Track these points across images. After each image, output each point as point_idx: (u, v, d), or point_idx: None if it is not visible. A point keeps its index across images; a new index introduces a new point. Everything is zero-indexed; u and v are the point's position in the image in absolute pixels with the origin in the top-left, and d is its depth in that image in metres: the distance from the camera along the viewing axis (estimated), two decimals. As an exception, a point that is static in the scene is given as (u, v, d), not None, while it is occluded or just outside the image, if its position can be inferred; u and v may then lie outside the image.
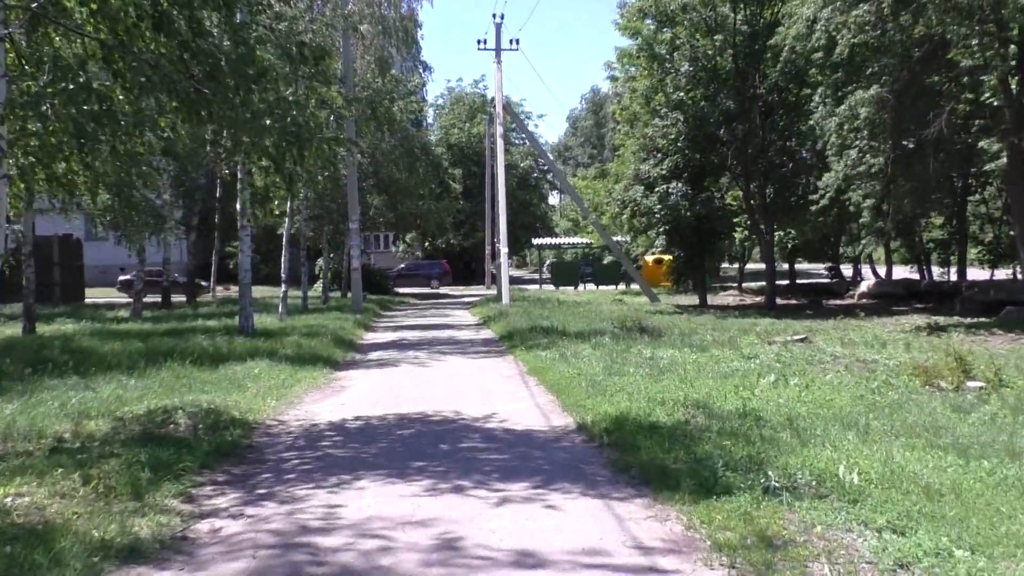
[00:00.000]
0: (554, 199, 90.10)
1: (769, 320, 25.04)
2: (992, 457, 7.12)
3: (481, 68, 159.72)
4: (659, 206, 28.87)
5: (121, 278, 44.23)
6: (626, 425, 8.78)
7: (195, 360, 14.72)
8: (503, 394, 12.03)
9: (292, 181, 10.41)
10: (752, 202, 29.83)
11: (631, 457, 7.69)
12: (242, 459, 8.36)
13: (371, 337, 22.34)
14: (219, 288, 46.57)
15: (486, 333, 22.70)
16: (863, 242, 36.21)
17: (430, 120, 64.96)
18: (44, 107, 7.43)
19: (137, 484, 6.89)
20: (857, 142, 21.16)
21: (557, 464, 7.82)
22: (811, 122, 24.12)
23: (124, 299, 37.92)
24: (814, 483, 6.44)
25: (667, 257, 47.48)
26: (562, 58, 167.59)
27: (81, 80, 7.35)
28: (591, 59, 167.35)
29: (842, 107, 21.05)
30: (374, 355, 17.99)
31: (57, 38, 8.92)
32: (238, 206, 20.63)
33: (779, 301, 34.58)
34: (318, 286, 41.53)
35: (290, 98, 10.10)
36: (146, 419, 9.71)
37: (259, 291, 43.48)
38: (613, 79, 43.14)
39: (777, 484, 6.38)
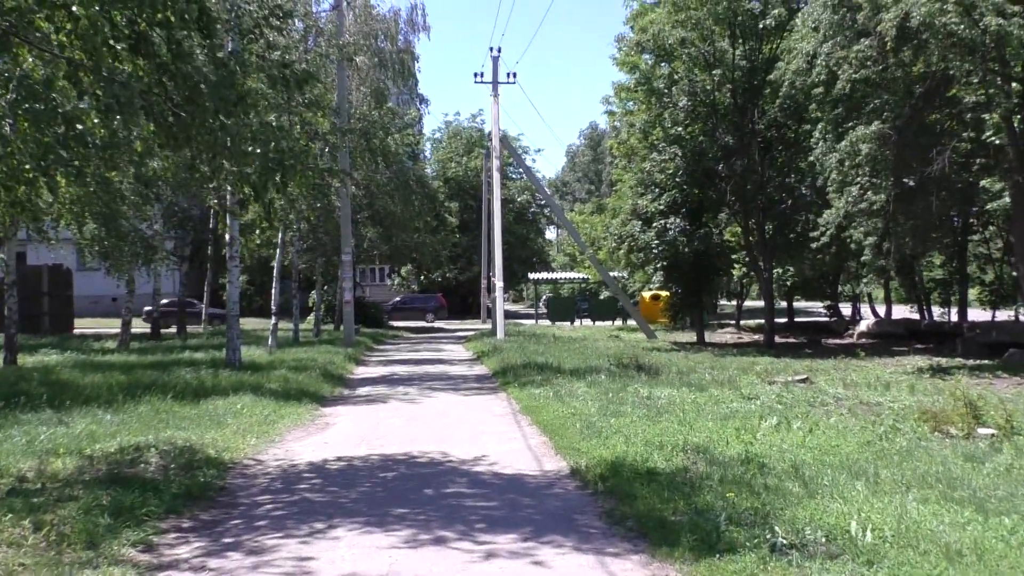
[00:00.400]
0: (551, 234, 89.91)
1: (768, 359, 24.56)
2: (1012, 513, 6.63)
3: (478, 102, 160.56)
4: (656, 241, 28.44)
5: (146, 308, 43.64)
6: (622, 471, 8.30)
7: (176, 394, 14.26)
8: (494, 434, 11.54)
9: (270, 211, 9.91)
10: (751, 238, 29.46)
11: (627, 507, 7.21)
12: (212, 503, 7.85)
13: (361, 371, 21.83)
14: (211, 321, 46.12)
15: (479, 369, 22.21)
16: (864, 280, 35.79)
17: (427, 154, 64.77)
18: (4, 128, 7.00)
19: (93, 531, 6.40)
20: (858, 179, 20.79)
21: (548, 514, 7.32)
22: (811, 158, 23.77)
23: (113, 330, 37.30)
24: (824, 540, 5.94)
25: (664, 293, 47.19)
26: (560, 93, 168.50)
27: (47, 100, 6.93)
28: (589, 94, 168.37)
29: (843, 143, 20.70)
30: (363, 390, 17.49)
31: (30, 58, 8.51)
32: (227, 237, 20.20)
33: (778, 339, 34.12)
34: (311, 318, 41.10)
35: (274, 124, 9.68)
36: (116, 457, 9.24)
37: (251, 323, 43.27)
38: (611, 114, 43.15)
39: (785, 541, 5.88)
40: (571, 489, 8.27)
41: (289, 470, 9.28)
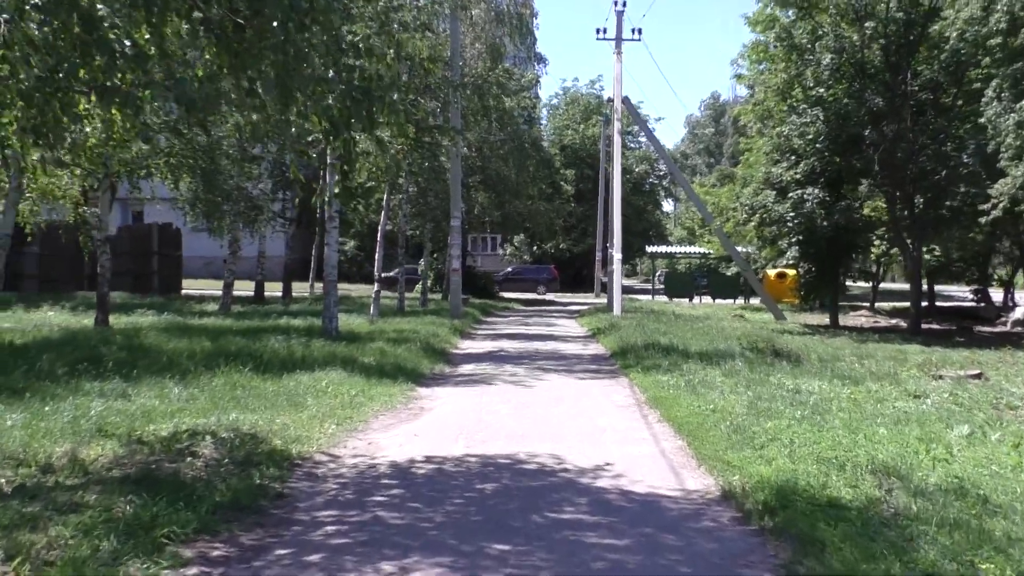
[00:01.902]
0: (668, 206, 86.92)
1: (918, 348, 21.88)
2: None
3: (598, 65, 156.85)
4: (792, 213, 25.84)
5: (385, 275, 42.73)
6: (795, 500, 6.24)
7: (260, 366, 12.80)
8: (617, 432, 9.56)
9: (351, 153, 8.07)
10: (898, 213, 26.54)
11: (815, 562, 5.16)
12: (262, 517, 6.13)
13: (467, 346, 20.10)
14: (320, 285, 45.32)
15: (595, 348, 20.19)
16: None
17: (543, 120, 62.72)
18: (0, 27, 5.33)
19: (83, 563, 4.72)
20: (1041, 144, 17.99)
21: (701, 562, 5.35)
22: (982, 120, 20.85)
23: (218, 292, 36.69)
24: None
25: (790, 271, 44.24)
26: (680, 62, 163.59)
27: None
28: (711, 63, 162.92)
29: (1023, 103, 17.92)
30: (466, 368, 15.73)
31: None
32: (325, 196, 18.69)
33: (922, 326, 31.21)
34: (419, 287, 39.75)
35: (361, 45, 7.86)
36: (165, 445, 7.66)
37: (359, 289, 42.19)
38: (739, 77, 40.20)
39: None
40: (726, 522, 6.24)
41: (366, 472, 7.51)
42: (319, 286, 43.35)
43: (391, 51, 8.66)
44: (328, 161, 18.57)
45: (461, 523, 6.03)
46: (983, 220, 22.25)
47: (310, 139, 20.66)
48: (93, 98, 6.20)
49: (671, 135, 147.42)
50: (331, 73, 7.65)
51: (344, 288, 43.66)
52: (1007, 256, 35.11)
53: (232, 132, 20.28)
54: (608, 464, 7.88)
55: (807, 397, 11.36)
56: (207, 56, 7.27)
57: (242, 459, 7.41)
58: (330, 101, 7.65)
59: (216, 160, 21.50)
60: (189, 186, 22.02)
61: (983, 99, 21.05)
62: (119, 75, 6.06)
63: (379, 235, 24.71)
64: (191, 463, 7.12)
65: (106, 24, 6.00)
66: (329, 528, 5.90)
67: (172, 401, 9.82)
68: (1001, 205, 19.76)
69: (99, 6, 5.99)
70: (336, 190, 18.25)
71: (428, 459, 8.01)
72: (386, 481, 7.20)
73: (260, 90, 6.80)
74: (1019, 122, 18.25)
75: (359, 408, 10.51)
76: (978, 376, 14.71)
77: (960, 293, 44.52)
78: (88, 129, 12.95)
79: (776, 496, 6.37)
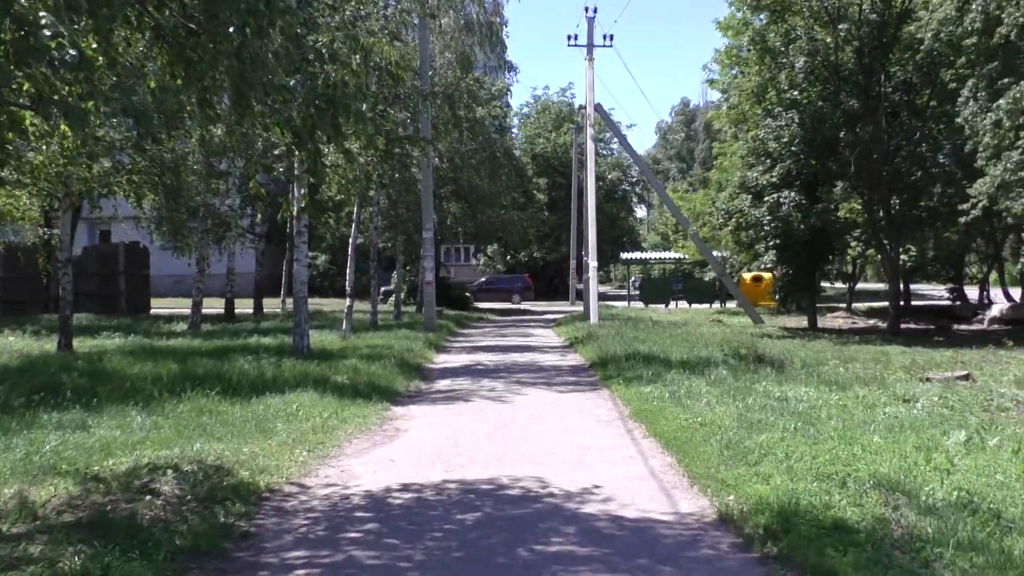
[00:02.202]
0: (641, 212, 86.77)
1: (899, 348, 21.62)
2: None
3: (568, 74, 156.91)
4: (768, 217, 25.57)
5: (384, 288, 42.54)
6: (798, 523, 5.85)
7: (228, 389, 12.28)
8: (603, 450, 9.13)
9: (318, 163, 7.61)
10: (875, 215, 26.32)
11: (826, 595, 4.77)
12: (225, 562, 5.66)
13: (442, 360, 19.63)
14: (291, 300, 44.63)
15: (574, 358, 19.78)
16: (1022, 260, 32.28)
17: (515, 129, 62.33)
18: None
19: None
20: (1020, 142, 17.73)
21: (703, 598, 4.95)
22: (959, 120, 20.63)
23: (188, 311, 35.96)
24: None
25: (766, 275, 44.09)
26: (651, 69, 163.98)
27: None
28: (680, 70, 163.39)
29: (1001, 101, 17.69)
30: (443, 384, 15.27)
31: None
32: (293, 210, 18.18)
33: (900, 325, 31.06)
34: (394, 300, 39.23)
35: (323, 51, 7.41)
36: (123, 482, 7.16)
37: (333, 304, 41.53)
38: (711, 82, 40.11)
39: None
40: (726, 549, 5.83)
41: (339, 504, 7.04)
42: (291, 302, 42.80)
43: (357, 57, 8.23)
44: (295, 174, 18.06)
45: (442, 561, 5.58)
46: (962, 220, 22.06)
47: (276, 152, 20.30)
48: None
49: (643, 141, 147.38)
50: (292, 82, 7.21)
51: (316, 303, 43.10)
52: (982, 255, 35.05)
53: (196, 147, 19.75)
54: (596, 487, 7.45)
55: (796, 405, 11.01)
56: (159, 64, 6.83)
57: (206, 495, 6.93)
58: (293, 111, 7.22)
59: (181, 176, 20.89)
60: (153, 204, 21.39)
61: (959, 99, 20.85)
62: (63, 86, 5.59)
63: (350, 249, 24.20)
64: (150, 502, 6.62)
65: (48, 32, 5.52)
66: (299, 572, 5.44)
67: (134, 431, 9.32)
68: (980, 205, 19.56)
69: (41, 13, 5.52)
70: (303, 204, 17.81)
71: (405, 487, 7.55)
72: (360, 514, 6.74)
73: (215, 100, 6.32)
74: (996, 121, 18.04)
75: (331, 432, 10.03)
76: (965, 377, 14.42)
77: (935, 292, 44.56)
78: (39, 147, 12.45)
79: (777, 519, 5.98)
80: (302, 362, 15.85)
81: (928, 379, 14.30)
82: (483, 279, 56.38)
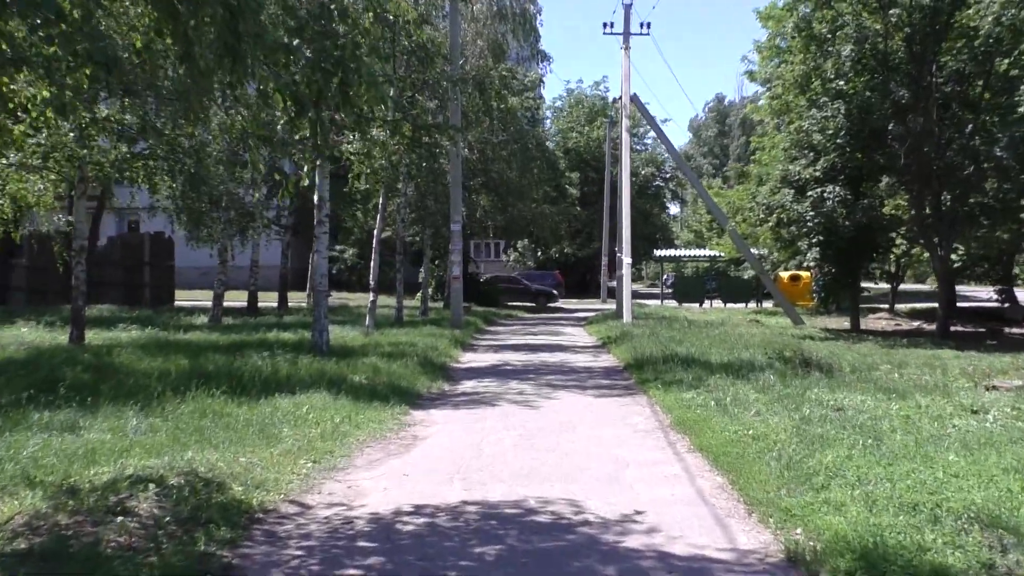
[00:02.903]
0: (675, 209, 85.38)
1: (951, 352, 20.41)
2: None
3: (602, 67, 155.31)
4: (812, 213, 24.35)
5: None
6: (889, 569, 4.83)
7: (237, 388, 11.40)
8: (643, 466, 8.12)
9: (321, 131, 6.65)
10: (924, 211, 25.00)
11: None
12: (195, 606, 4.73)
13: (468, 359, 18.67)
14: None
15: (607, 359, 18.74)
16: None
17: (547, 122, 61.24)
18: None
19: None
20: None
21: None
22: (1020, 110, 19.35)
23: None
24: None
25: (804, 273, 42.75)
26: (687, 63, 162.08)
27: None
28: (716, 65, 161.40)
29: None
30: (467, 385, 14.31)
31: None
32: (315, 198, 17.31)
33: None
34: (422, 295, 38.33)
35: (331, 6, 6.47)
36: (99, 496, 6.27)
37: (358, 298, 40.73)
38: (750, 74, 38.87)
39: None
40: (801, 603, 4.83)
41: (340, 530, 6.08)
42: (299, 296, 41.99)
43: (370, 15, 7.28)
44: (316, 162, 17.16)
45: (455, 613, 4.62)
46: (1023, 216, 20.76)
47: (297, 136, 19.44)
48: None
49: (676, 138, 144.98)
50: (297, 41, 6.27)
51: (343, 297, 42.43)
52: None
53: (217, 133, 18.93)
54: (637, 513, 6.45)
55: (855, 416, 9.96)
56: (142, 16, 5.93)
57: (188, 516, 6.02)
58: (296, 75, 6.28)
59: (203, 163, 20.07)
60: (172, 191, 20.60)
61: (1022, 87, 19.56)
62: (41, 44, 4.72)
63: (374, 241, 23.31)
64: (121, 525, 5.71)
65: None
66: (281, 622, 4.50)
67: (126, 435, 8.45)
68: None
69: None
70: (325, 191, 16.95)
71: (417, 509, 6.58)
72: (363, 543, 5.77)
73: (200, 54, 5.38)
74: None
75: (342, 439, 9.11)
76: (1036, 386, 13.26)
77: (980, 294, 42.95)
78: (42, 127, 11.67)
79: (862, 563, 4.96)
80: (320, 360, 14.97)
81: (995, 387, 13.16)
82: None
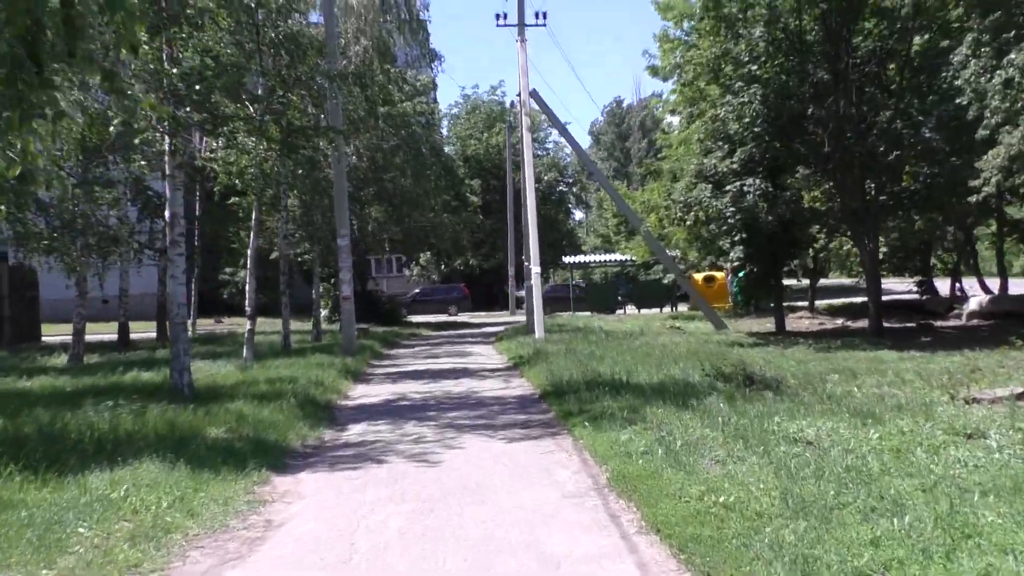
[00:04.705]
0: (579, 214, 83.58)
1: (894, 354, 18.66)
2: None
3: (499, 70, 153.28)
4: (732, 208, 22.45)
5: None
6: None
7: (50, 458, 8.68)
8: (580, 563, 5.75)
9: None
10: (849, 202, 23.29)
11: None
12: None
13: (359, 393, 16.06)
14: (213, 320, 40.68)
15: (520, 385, 16.25)
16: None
17: (445, 131, 58.78)
18: None
19: None
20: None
21: None
22: (959, 82, 17.71)
23: (92, 336, 31.61)
24: None
25: (718, 274, 41.22)
26: (583, 66, 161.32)
27: None
28: (612, 69, 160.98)
29: (1013, 55, 14.81)
30: (354, 431, 11.76)
31: None
32: (167, 214, 14.56)
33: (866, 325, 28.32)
34: (325, 312, 35.51)
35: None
36: None
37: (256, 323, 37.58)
38: (652, 70, 37.12)
39: None
40: None
41: None
42: (203, 322, 38.76)
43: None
44: (167, 171, 14.46)
45: None
46: (972, 199, 19.13)
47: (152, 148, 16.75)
48: None
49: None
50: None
51: (234, 323, 39.17)
52: (952, 242, 32.41)
53: (49, 141, 16.03)
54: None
55: (836, 455, 7.86)
56: None
57: None
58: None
59: (34, 179, 17.11)
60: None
61: (954, 59, 17.99)
62: None
63: (248, 261, 20.52)
64: None
65: None
66: None
67: None
68: (994, 180, 16.66)
69: None
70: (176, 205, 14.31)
71: None
72: None
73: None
74: (1007, 80, 15.14)
75: (163, 538, 6.52)
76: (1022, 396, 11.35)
77: (894, 287, 41.98)
78: None
79: None
80: (175, 408, 12.22)
81: (976, 400, 11.20)
82: (417, 291, 52.98)
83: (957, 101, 18.25)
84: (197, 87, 13.10)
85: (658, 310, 42.28)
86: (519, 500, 7.42)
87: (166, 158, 14.40)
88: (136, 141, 14.86)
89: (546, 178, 60.05)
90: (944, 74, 19.37)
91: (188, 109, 13.30)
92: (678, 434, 8.93)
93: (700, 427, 9.34)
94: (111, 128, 13.41)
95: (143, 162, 16.77)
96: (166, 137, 14.02)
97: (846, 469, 7.38)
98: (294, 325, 33.15)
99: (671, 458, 8.02)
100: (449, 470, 8.79)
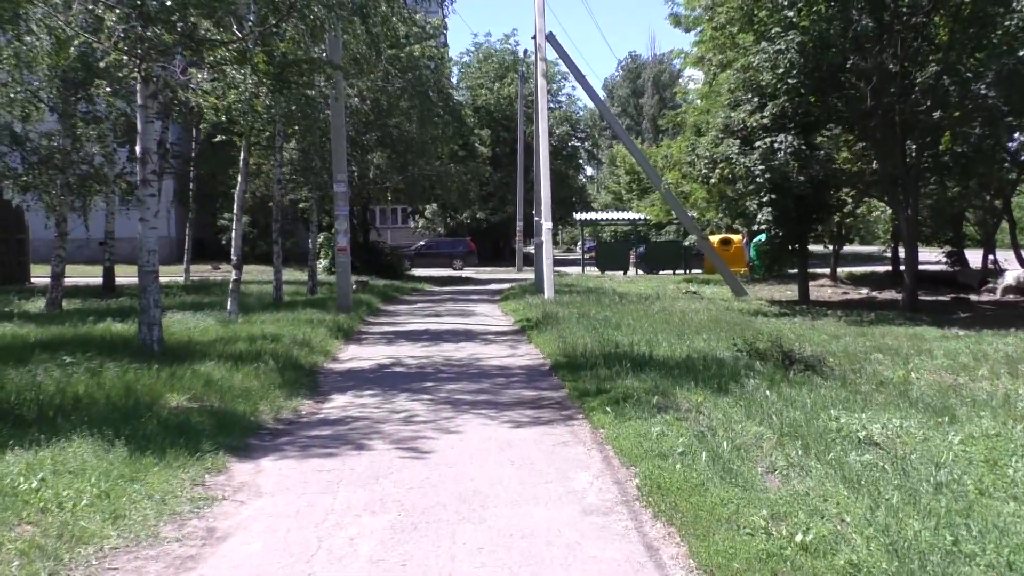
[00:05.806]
0: (590, 170, 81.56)
1: (935, 331, 17.17)
2: None
3: (512, 19, 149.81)
4: (762, 167, 20.72)
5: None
6: None
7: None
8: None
9: None
10: (889, 163, 21.55)
11: None
12: None
13: (350, 355, 14.52)
14: (210, 267, 39.16)
15: (528, 353, 14.61)
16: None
17: (454, 78, 56.70)
18: None
19: None
20: None
21: None
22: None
23: (84, 280, 29.96)
24: None
25: (735, 237, 39.54)
26: (600, 18, 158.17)
27: None
28: (627, 27, 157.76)
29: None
30: (336, 404, 10.24)
31: None
32: (138, 149, 12.93)
33: (894, 296, 26.77)
34: (325, 263, 33.94)
35: None
36: None
37: (249, 272, 36.11)
38: (675, 19, 35.28)
39: None
40: None
41: None
42: (199, 268, 37.25)
43: None
44: (139, 102, 12.83)
45: None
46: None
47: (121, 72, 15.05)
48: None
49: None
50: None
51: (228, 271, 37.65)
52: (987, 211, 30.59)
53: (12, 65, 14.41)
54: None
55: (920, 468, 6.34)
56: None
57: None
58: None
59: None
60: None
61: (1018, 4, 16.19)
62: None
63: (236, 207, 18.90)
64: None
65: None
66: None
67: None
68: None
69: None
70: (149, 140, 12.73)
71: None
72: None
73: None
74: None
75: (64, 555, 5.04)
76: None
77: (927, 257, 40.33)
78: None
79: None
80: (139, 366, 10.76)
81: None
82: (422, 243, 51.31)
83: (1020, 54, 16.47)
84: (168, 2, 11.40)
85: (671, 272, 40.68)
86: (528, 520, 5.83)
87: (137, 86, 12.78)
88: (101, 64, 13.13)
89: (558, 132, 58.18)
90: (1007, 22, 17.52)
91: (159, 28, 11.60)
92: (722, 431, 7.38)
93: (746, 420, 7.81)
94: (71, 49, 11.77)
95: (107, 88, 14.99)
96: (136, 62, 12.36)
97: (936, 487, 5.87)
98: (293, 276, 31.67)
99: (713, 462, 6.47)
100: (442, 466, 7.23)
